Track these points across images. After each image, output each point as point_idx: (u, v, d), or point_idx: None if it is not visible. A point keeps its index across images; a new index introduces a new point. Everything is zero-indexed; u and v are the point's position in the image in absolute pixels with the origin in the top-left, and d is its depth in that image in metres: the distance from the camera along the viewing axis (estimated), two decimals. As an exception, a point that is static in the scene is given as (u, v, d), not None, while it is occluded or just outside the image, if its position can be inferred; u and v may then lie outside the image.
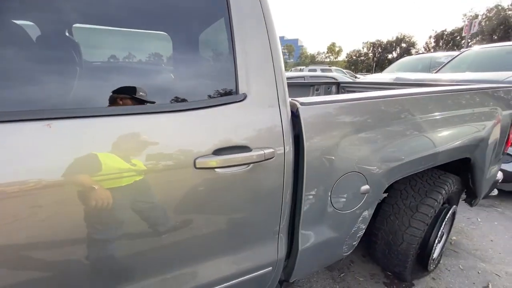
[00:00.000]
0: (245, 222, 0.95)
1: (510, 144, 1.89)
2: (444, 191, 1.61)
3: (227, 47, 0.88)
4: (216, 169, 0.82)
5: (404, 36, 57.38)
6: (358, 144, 1.10)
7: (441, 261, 1.95)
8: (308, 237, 1.12)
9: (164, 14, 0.85)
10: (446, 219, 1.67)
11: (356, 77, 10.92)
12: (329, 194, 1.09)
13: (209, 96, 0.86)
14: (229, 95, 0.89)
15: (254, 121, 0.89)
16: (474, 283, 1.77)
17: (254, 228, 0.98)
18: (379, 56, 59.68)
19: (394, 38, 58.41)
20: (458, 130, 1.45)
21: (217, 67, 1.00)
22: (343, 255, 1.34)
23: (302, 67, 12.89)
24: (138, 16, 0.85)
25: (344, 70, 13.13)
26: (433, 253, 1.67)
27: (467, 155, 1.56)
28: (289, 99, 1.02)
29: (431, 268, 1.77)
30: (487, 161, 1.72)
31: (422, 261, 1.75)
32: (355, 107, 1.10)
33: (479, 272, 1.86)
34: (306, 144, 0.98)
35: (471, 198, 1.96)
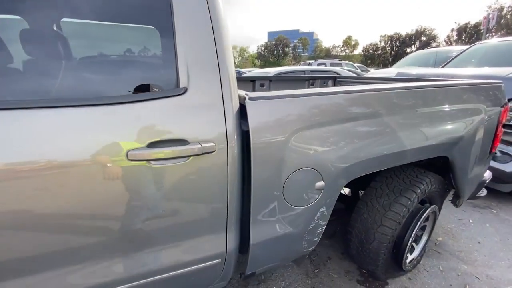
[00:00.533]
0: (188, 214, 0.97)
1: (497, 143, 1.81)
2: (419, 190, 1.57)
3: (168, 40, 0.89)
4: (152, 162, 0.84)
5: (424, 29, 55.09)
6: (311, 140, 1.09)
7: (421, 262, 1.91)
8: (260, 232, 1.13)
9: (100, 2, 0.86)
10: (422, 219, 1.62)
11: (367, 72, 10.64)
12: (282, 189, 1.09)
13: (147, 89, 0.87)
14: (169, 88, 0.89)
15: (194, 114, 0.90)
16: (451, 285, 1.73)
17: (198, 220, 1.00)
18: (397, 50, 57.70)
19: (414, 31, 56.20)
20: (432, 128, 1.40)
21: (157, 60, 1.01)
22: (304, 251, 1.34)
23: (311, 61, 12.65)
24: (70, 4, 0.86)
25: (356, 65, 12.78)
26: (407, 253, 1.64)
27: (444, 154, 1.51)
28: (237, 93, 1.02)
29: (407, 268, 1.74)
30: (469, 160, 1.65)
31: (398, 260, 1.72)
32: (308, 102, 1.08)
33: (459, 274, 1.81)
34: (253, 139, 0.98)
35: (456, 198, 1.89)
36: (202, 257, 1.04)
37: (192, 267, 1.03)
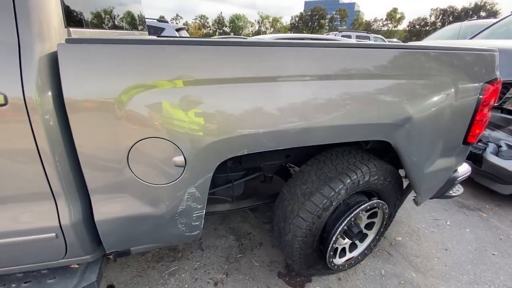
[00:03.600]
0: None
1: (478, 131, 1.40)
2: (349, 181, 1.28)
3: None
4: None
5: (485, 2, 47.91)
6: (160, 102, 0.85)
7: (362, 262, 1.66)
8: (108, 208, 0.96)
9: None
10: (353, 215, 1.34)
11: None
12: (126, 161, 0.89)
13: None
14: None
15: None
16: (385, 293, 1.47)
17: (6, 188, 0.84)
18: (449, 26, 51.27)
19: (472, 5, 49.20)
20: (360, 102, 1.06)
21: None
22: (187, 235, 1.15)
23: (335, 32, 11.55)
24: None
25: (387, 40, 11.40)
26: (330, 251, 1.39)
27: (383, 138, 1.18)
28: (58, 33, 0.80)
29: (336, 267, 1.50)
30: (424, 150, 1.29)
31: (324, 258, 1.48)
32: (155, 52, 0.82)
33: (401, 282, 1.54)
34: (67, 92, 0.77)
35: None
36: (27, 229, 0.90)
37: (19, 238, 0.90)
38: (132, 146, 0.87)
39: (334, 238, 1.36)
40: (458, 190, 1.70)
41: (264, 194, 1.76)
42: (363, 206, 1.37)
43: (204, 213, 1.10)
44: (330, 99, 1.02)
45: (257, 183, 2.66)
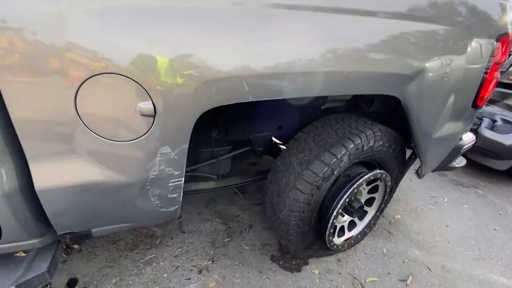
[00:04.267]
0: None
1: (487, 94, 1.28)
2: (353, 145, 1.11)
3: None
4: None
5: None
6: (115, 23, 0.63)
7: (362, 241, 1.52)
8: (51, 173, 0.73)
9: None
10: (355, 186, 1.19)
11: None
12: (75, 109, 0.67)
13: None
14: None
15: None
16: (389, 273, 1.34)
17: None
18: None
19: None
20: (367, 45, 0.89)
21: None
22: (162, 211, 0.94)
23: None
24: None
25: None
26: (330, 228, 1.23)
27: (391, 93, 1.01)
28: None
29: (335, 247, 1.35)
30: (434, 110, 1.15)
31: (323, 237, 1.32)
32: None
33: (405, 261, 1.41)
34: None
35: (420, 166, 1.42)
36: None
37: None
38: (80, 86, 0.65)
39: (334, 213, 1.19)
40: (461, 161, 1.59)
41: (254, 171, 1.57)
42: (366, 176, 1.22)
43: (182, 182, 0.89)
44: (340, 38, 0.83)
45: (245, 165, 2.48)
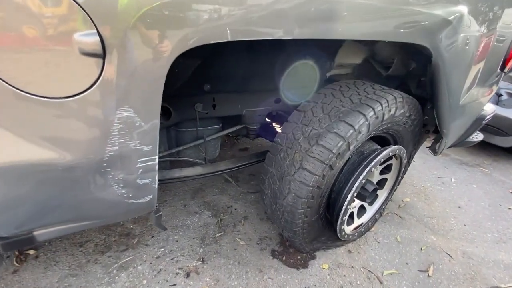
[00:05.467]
0: None
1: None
2: (373, 113, 0.90)
3: None
4: None
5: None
6: None
7: (372, 229, 1.34)
8: None
9: None
10: (372, 164, 0.99)
11: None
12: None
13: None
14: None
15: None
16: (407, 264, 1.17)
17: None
18: None
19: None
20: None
21: None
22: (128, 203, 0.70)
23: None
24: None
25: None
26: (343, 215, 1.04)
27: (423, 42, 0.80)
28: None
29: (346, 237, 1.16)
30: (464, 69, 0.96)
31: (332, 225, 1.13)
32: None
33: (423, 248, 1.25)
34: None
35: (437, 140, 1.25)
36: None
37: None
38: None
39: (349, 198, 0.99)
40: (478, 135, 1.44)
41: (248, 155, 1.34)
42: (384, 153, 1.02)
43: (156, 162, 0.65)
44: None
45: (235, 151, 2.24)
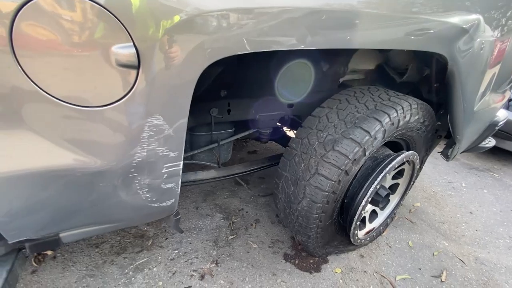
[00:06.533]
0: None
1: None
2: (388, 120, 0.91)
3: None
4: None
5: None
6: None
7: (384, 233, 1.34)
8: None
9: None
10: (387, 170, 1.00)
11: None
12: (11, 53, 0.43)
13: None
14: None
15: None
16: (420, 269, 1.17)
17: None
18: None
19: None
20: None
21: None
22: (152, 207, 0.71)
23: None
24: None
25: None
26: (357, 220, 1.05)
27: (442, 52, 0.82)
28: None
29: (359, 241, 1.17)
30: (479, 77, 0.97)
31: (345, 229, 1.14)
32: None
33: (435, 253, 1.25)
34: None
35: (449, 146, 1.25)
36: None
37: None
38: (14, 18, 0.41)
39: (363, 203, 1.00)
40: (490, 141, 1.44)
41: (261, 158, 1.35)
42: (399, 158, 1.03)
43: (181, 168, 0.67)
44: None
45: (244, 154, 2.26)
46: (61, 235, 0.71)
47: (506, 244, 1.34)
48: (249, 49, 0.56)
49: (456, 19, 0.78)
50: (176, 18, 0.47)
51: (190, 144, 1.27)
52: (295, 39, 0.61)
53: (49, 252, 1.16)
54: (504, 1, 0.91)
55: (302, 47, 0.62)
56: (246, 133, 1.32)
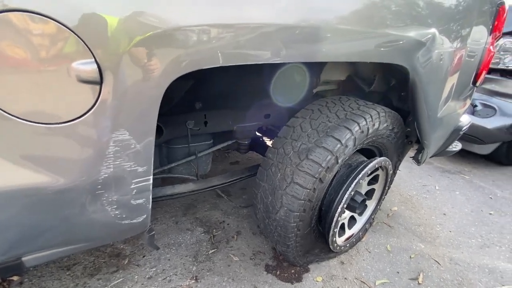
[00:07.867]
0: None
1: (485, 69, 1.20)
2: (358, 128, 0.95)
3: None
4: None
5: None
6: None
7: (363, 239, 1.37)
8: None
9: None
10: (360, 176, 1.03)
11: None
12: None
13: None
14: None
15: None
16: (398, 272, 1.20)
17: None
18: None
19: None
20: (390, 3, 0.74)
21: None
22: (121, 224, 0.69)
23: None
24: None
25: None
26: (334, 227, 1.06)
27: (402, 63, 0.87)
28: None
29: (338, 248, 1.18)
30: (440, 85, 1.04)
31: (325, 237, 1.15)
32: None
33: (412, 256, 1.29)
34: None
35: (419, 151, 1.31)
36: None
37: None
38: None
39: (339, 209, 1.02)
40: (457, 145, 1.52)
41: (240, 169, 1.35)
42: (371, 164, 1.06)
43: (150, 182, 0.66)
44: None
45: (226, 164, 2.25)
46: (23, 259, 0.67)
47: (478, 243, 1.40)
48: (221, 63, 0.57)
49: (413, 33, 0.84)
50: (138, 34, 0.48)
51: (167, 157, 1.25)
52: (270, 54, 0.63)
53: (15, 278, 1.09)
54: (461, 14, 0.99)
55: (279, 61, 0.65)
56: (224, 144, 1.32)
